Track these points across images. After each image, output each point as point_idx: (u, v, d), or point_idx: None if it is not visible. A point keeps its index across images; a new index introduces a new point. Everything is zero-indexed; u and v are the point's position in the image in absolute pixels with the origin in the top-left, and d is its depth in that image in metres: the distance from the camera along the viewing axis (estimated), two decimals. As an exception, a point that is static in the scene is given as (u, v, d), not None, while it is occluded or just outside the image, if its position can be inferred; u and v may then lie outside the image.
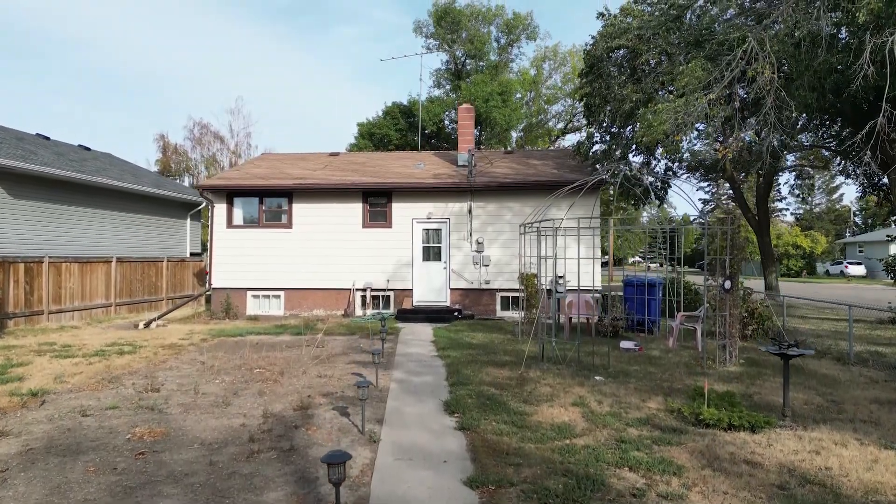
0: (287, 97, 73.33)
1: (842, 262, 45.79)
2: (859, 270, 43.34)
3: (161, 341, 9.66)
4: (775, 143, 10.19)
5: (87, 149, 19.73)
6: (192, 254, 19.71)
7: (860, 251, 47.46)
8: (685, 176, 19.70)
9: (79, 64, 66.24)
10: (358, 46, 79.25)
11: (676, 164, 15.48)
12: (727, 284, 7.50)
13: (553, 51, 29.07)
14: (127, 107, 65.36)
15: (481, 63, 26.75)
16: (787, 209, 59.99)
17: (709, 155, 9.34)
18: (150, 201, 17.62)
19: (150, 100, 64.78)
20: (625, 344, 8.94)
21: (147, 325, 11.68)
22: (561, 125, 29.91)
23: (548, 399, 5.81)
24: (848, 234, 56.84)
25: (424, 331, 11.22)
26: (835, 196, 59.73)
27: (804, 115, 8.75)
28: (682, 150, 9.47)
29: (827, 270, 47.40)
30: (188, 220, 19.89)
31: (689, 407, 5.16)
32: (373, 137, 27.07)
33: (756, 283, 17.92)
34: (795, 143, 10.61)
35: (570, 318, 10.33)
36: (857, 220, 62.04)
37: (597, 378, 6.78)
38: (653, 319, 10.54)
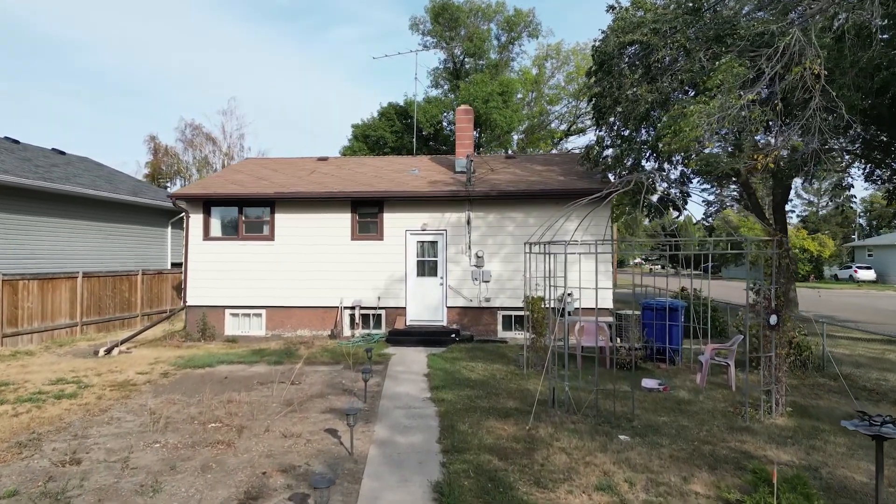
0: (283, 99, 72.18)
1: (850, 266, 44.63)
2: (869, 275, 42.19)
3: (115, 377, 8.46)
4: (813, 147, 8.98)
5: (62, 153, 18.54)
6: (173, 264, 18.51)
7: (869, 255, 46.28)
8: (695, 180, 18.51)
9: (70, 64, 65.05)
10: (355, 48, 78.10)
11: (689, 169, 14.25)
12: (773, 320, 6.31)
13: (556, 49, 27.87)
14: (118, 108, 64.18)
15: (481, 62, 25.56)
16: (794, 212, 58.84)
17: (741, 163, 8.17)
18: (127, 209, 16.44)
19: (141, 100, 63.60)
20: (647, 383, 7.75)
21: (108, 351, 10.48)
22: (564, 126, 28.72)
23: (565, 476, 4.62)
24: (855, 237, 55.66)
25: (418, 358, 10.03)
26: (841, 198, 58.40)
27: (846, 117, 7.56)
28: (716, 160, 8.24)
29: (835, 275, 46.23)
30: (169, 228, 18.69)
31: (752, 500, 3.97)
32: (368, 140, 25.88)
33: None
34: (837, 146, 9.48)
35: (582, 347, 9.14)
36: (861, 221, 60.83)
37: (622, 438, 5.60)
38: (675, 348, 9.35)
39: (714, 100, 6.89)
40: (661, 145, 8.33)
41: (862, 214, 60.68)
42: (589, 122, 27.50)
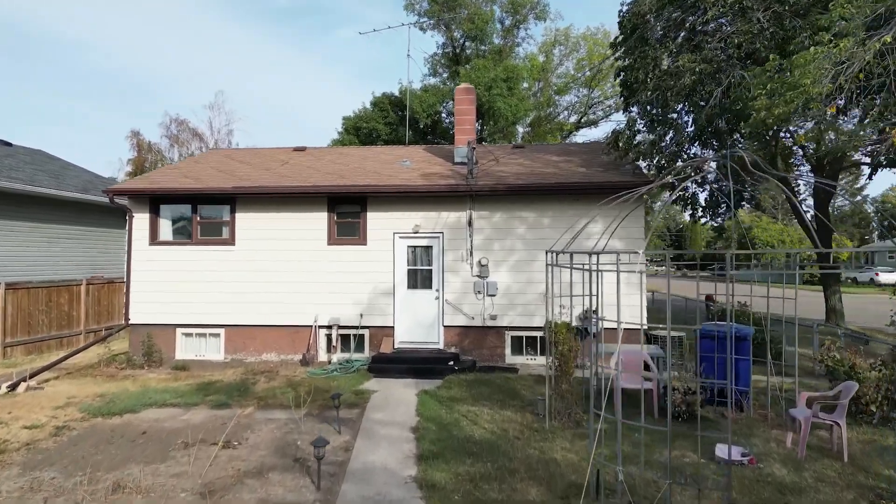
0: (278, 98, 70.00)
1: (871, 269, 42.52)
2: (891, 278, 39.99)
3: (-10, 434, 6.23)
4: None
5: (8, 144, 16.35)
6: (134, 271, 16.28)
7: (890, 257, 44.11)
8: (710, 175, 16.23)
9: (67, 62, 62.88)
10: (353, 48, 75.94)
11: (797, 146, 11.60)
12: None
13: (564, 34, 25.59)
14: (111, 106, 62.01)
15: (483, 46, 23.29)
16: (808, 212, 56.58)
17: (864, 141, 6.01)
18: (79, 208, 14.22)
19: (133, 100, 61.38)
20: (724, 451, 5.48)
21: (13, 387, 8.24)
22: (574, 118, 26.46)
23: None
24: (876, 238, 53.42)
25: (405, 398, 7.80)
26: (857, 198, 56.07)
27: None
28: (842, 134, 6.02)
29: (854, 278, 43.96)
30: (130, 229, 16.45)
31: None
32: (359, 132, 23.64)
33: (809, 300, 14.62)
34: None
35: (622, 388, 6.89)
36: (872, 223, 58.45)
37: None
38: (743, 390, 7.10)
39: (845, 39, 4.63)
40: (765, 110, 5.94)
41: (874, 215, 58.31)
42: (601, 114, 25.30)
